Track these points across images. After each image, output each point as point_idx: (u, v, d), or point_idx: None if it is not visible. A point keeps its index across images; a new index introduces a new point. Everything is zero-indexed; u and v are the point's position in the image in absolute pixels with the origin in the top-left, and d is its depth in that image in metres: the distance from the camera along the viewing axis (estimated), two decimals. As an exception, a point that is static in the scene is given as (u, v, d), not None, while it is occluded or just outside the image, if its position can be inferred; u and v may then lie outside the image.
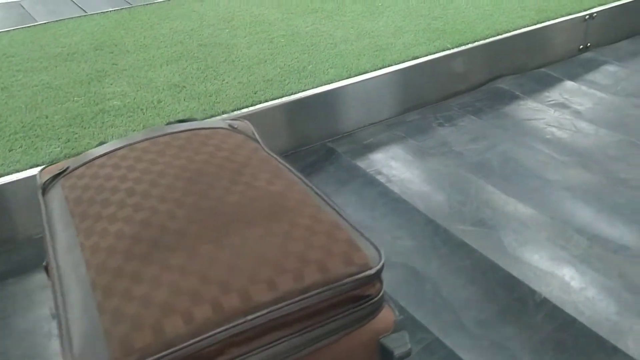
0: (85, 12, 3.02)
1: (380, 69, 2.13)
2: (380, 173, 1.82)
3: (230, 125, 1.03)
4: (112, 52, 2.37)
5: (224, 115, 1.86)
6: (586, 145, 1.92)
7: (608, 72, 2.46)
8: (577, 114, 2.13)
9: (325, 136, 2.04)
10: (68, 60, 2.31)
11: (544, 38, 2.48)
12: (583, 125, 2.04)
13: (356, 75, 2.08)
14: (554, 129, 2.02)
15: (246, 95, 1.97)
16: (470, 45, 2.29)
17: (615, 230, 1.51)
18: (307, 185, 0.89)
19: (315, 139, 2.02)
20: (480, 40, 2.32)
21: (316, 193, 0.87)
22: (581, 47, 2.60)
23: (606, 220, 1.55)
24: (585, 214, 1.58)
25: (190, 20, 2.72)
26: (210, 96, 1.98)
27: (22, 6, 3.36)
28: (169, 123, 1.04)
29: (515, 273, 1.36)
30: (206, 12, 2.82)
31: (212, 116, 1.86)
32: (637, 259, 1.41)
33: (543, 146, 1.92)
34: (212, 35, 2.51)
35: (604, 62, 2.53)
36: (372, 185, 1.76)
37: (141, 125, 1.81)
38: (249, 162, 0.91)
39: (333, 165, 1.88)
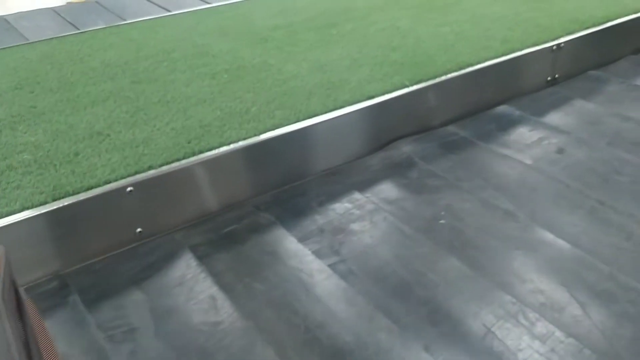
0: (78, 28, 2.75)
1: (331, 110, 1.92)
2: (225, 284, 1.44)
3: None
4: (32, 92, 2.11)
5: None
6: (479, 237, 1.57)
7: (523, 131, 2.10)
8: (481, 189, 1.77)
9: (178, 222, 1.67)
10: (-19, 102, 2.05)
11: (509, 71, 2.31)
12: (481, 209, 1.68)
13: (303, 120, 1.87)
14: (453, 213, 1.68)
15: (178, 144, 1.74)
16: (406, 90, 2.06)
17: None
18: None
19: (160, 227, 1.64)
20: (442, 75, 2.13)
21: None
22: (549, 79, 2.44)
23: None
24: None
25: (126, 50, 2.47)
26: (136, 147, 1.73)
27: (7, 21, 3.09)
28: None
29: None
30: (144, 42, 2.57)
31: (136, 173, 1.62)
32: None
33: (428, 240, 1.56)
34: (147, 70, 2.27)
35: (520, 119, 2.18)
36: (209, 311, 1.36)
37: (51, 185, 1.56)
38: None
39: (169, 272, 1.50)
